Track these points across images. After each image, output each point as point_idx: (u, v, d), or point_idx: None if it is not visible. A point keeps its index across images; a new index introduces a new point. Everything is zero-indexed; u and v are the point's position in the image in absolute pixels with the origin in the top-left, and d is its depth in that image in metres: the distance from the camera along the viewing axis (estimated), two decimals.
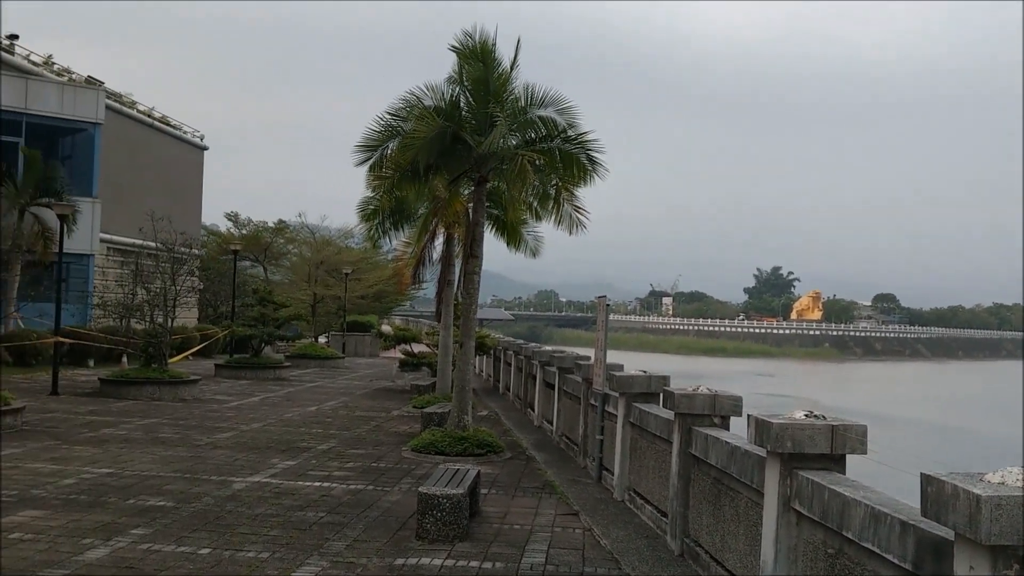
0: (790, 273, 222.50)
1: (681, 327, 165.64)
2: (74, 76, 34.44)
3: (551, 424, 16.95)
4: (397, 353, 34.88)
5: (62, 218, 22.20)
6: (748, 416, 6.12)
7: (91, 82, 34.31)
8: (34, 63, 32.29)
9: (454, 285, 20.80)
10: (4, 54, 29.68)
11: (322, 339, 46.54)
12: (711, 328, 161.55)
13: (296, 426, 17.07)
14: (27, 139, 29.75)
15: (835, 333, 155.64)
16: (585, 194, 15.33)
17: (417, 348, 30.92)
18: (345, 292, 45.16)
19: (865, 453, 5.64)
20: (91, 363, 28.29)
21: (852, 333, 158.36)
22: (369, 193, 17.46)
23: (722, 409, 8.11)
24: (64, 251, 22.75)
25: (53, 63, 34.03)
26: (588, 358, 14.68)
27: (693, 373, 61.41)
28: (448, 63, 14.50)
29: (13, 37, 31.45)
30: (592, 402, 12.92)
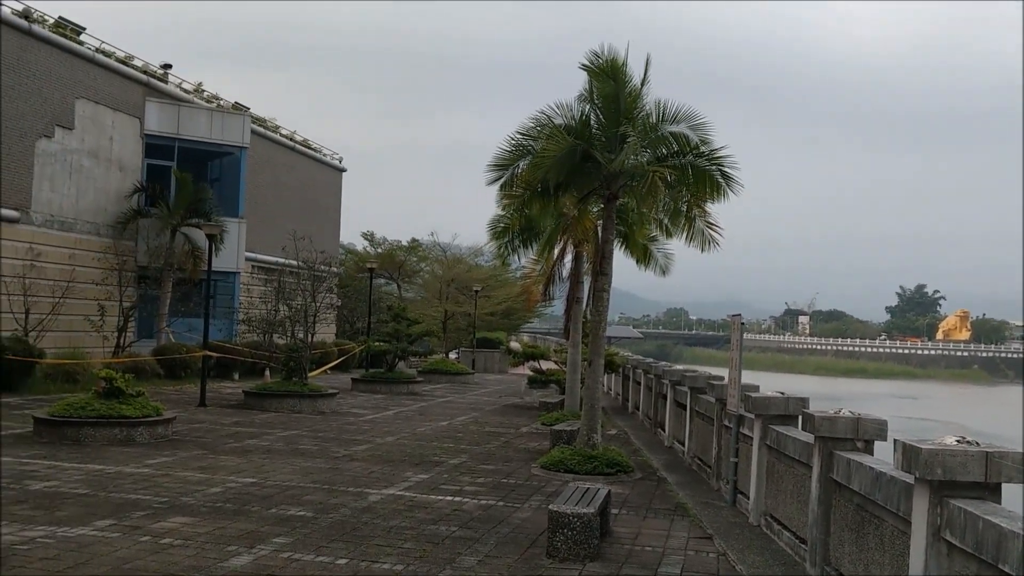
0: (935, 292, 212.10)
1: (818, 347, 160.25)
2: (222, 102, 36.14)
3: (682, 445, 16.67)
4: (525, 370, 34.99)
5: (211, 237, 23.23)
6: (894, 441, 5.85)
7: (238, 108, 35.97)
8: (185, 91, 34.05)
9: (583, 303, 20.73)
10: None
11: (452, 355, 47.27)
12: (850, 348, 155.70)
13: (428, 440, 17.36)
14: (179, 162, 31.42)
15: (985, 354, 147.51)
16: (719, 211, 15.07)
17: (545, 365, 31.03)
18: (475, 309, 45.77)
19: (1023, 483, 5.31)
20: (236, 376, 29.55)
21: (1004, 354, 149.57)
22: (499, 211, 17.72)
23: (866, 433, 7.78)
24: (212, 269, 23.89)
25: (203, 90, 35.82)
26: (720, 378, 14.36)
27: (831, 395, 59.31)
28: (578, 83, 14.54)
29: (167, 67, 33.26)
30: (726, 423, 12.63)
